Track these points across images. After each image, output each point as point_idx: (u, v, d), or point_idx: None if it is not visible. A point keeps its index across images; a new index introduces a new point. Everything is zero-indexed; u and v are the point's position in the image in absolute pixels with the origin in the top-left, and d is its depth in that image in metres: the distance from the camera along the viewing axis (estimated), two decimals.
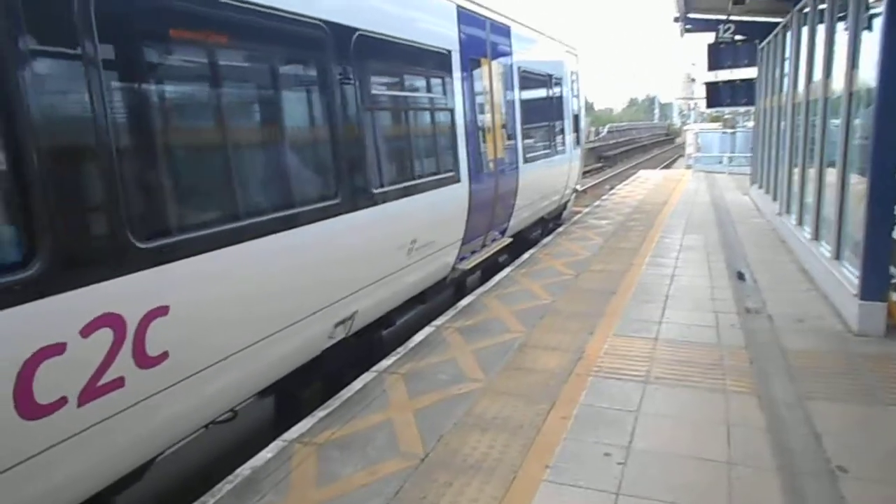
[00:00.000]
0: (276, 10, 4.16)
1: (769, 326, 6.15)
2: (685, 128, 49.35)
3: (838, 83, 7.07)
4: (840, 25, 7.41)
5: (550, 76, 11.59)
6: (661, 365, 5.25)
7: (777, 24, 11.96)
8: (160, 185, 3.51)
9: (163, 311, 3.26)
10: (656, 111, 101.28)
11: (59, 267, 2.77)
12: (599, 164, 37.09)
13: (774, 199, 11.86)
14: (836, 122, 7.13)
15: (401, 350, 5.78)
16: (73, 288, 2.83)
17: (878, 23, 5.94)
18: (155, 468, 3.75)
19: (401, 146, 6.32)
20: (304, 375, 4.90)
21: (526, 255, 9.77)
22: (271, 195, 4.36)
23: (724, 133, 26.76)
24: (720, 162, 23.47)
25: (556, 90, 12.01)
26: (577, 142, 13.97)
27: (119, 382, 3.07)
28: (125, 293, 3.07)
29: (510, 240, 9.54)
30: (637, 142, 56.63)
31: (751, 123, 19.89)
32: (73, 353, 2.81)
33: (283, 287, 4.31)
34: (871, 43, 6.08)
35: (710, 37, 14.62)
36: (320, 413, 4.58)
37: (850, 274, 6.27)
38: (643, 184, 20.34)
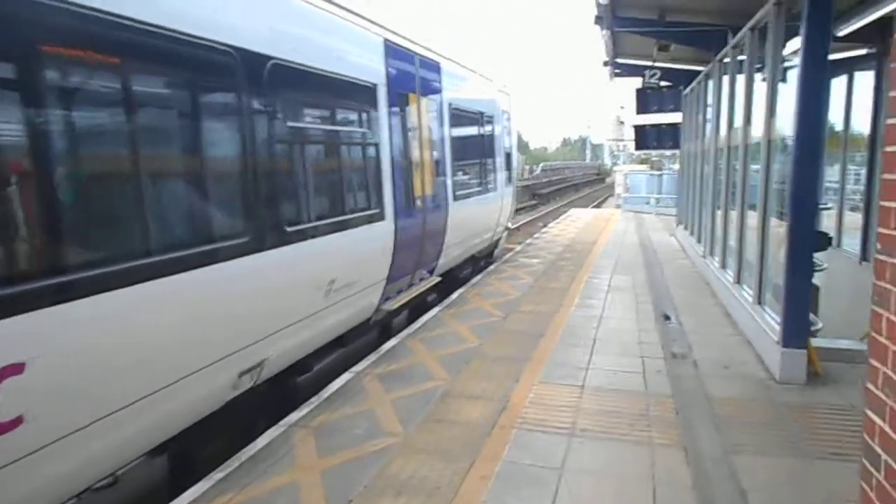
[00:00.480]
0: (180, 33, 3.85)
1: (694, 373, 6.07)
2: (615, 168, 50.94)
3: (757, 130, 7.22)
4: (758, 76, 7.64)
5: (482, 114, 11.56)
6: (586, 416, 5.03)
7: (699, 72, 12.39)
8: (21, 218, 3.03)
9: (17, 368, 2.83)
10: (588, 151, 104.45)
11: None
12: (533, 202, 37.65)
13: (699, 241, 12.11)
14: (756, 168, 7.28)
15: (314, 400, 5.37)
16: None
17: (792, 74, 6.10)
18: None
19: (318, 181, 6.00)
20: (207, 430, 4.46)
21: (455, 295, 9.52)
22: (166, 232, 3.99)
23: (651, 175, 27.65)
24: (648, 203, 24.14)
25: (488, 128, 12.00)
26: (509, 179, 14.02)
27: None
28: None
29: (439, 279, 9.32)
30: (570, 180, 58.02)
31: (676, 166, 20.57)
32: None
33: (177, 336, 3.91)
34: (787, 93, 6.24)
35: (638, 81, 15.12)
36: (217, 475, 4.13)
37: (771, 320, 6.29)
38: (574, 222, 20.62)
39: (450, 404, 5.30)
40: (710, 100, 11.32)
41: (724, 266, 9.28)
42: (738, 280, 8.10)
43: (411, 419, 4.98)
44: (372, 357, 6.52)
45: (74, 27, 3.23)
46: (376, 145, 6.84)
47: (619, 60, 14.44)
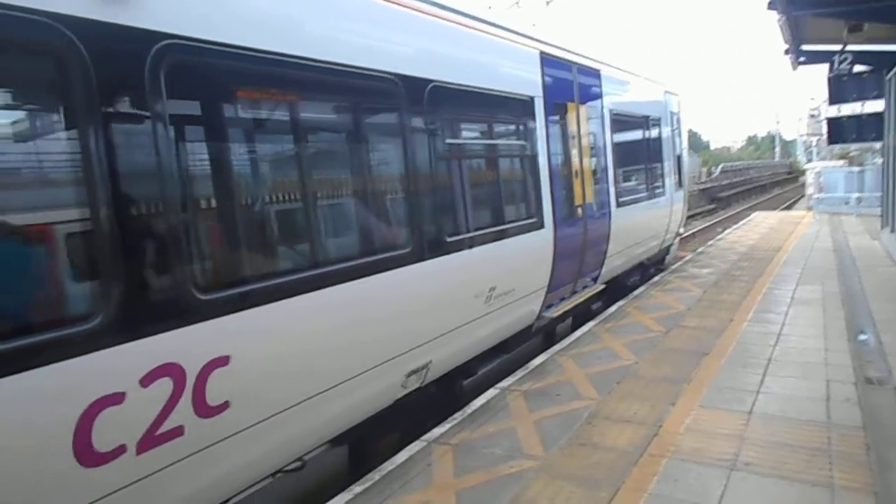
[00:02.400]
0: (348, 66, 4.33)
1: (895, 403, 5.18)
2: (806, 166, 46.01)
3: None
4: None
5: (647, 117, 11.28)
6: (752, 447, 4.48)
7: None
8: (226, 237, 3.72)
9: (223, 360, 3.34)
10: (777, 148, 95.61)
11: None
12: (711, 206, 35.16)
13: None
14: None
15: (457, 416, 5.35)
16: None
17: None
18: None
19: (477, 193, 6.33)
20: (380, 424, 4.90)
21: (613, 308, 9.07)
22: (339, 245, 4.54)
23: (850, 171, 24.49)
24: (846, 203, 21.38)
25: (654, 131, 11.65)
26: (680, 184, 13.44)
27: (179, 431, 3.14)
28: (186, 344, 3.17)
29: (602, 286, 9.14)
30: (755, 181, 53.44)
31: (880, 160, 18.02)
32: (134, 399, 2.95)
33: (350, 337, 4.31)
34: None
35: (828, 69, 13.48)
36: (357, 488, 4.24)
37: None
38: (756, 227, 18.84)
39: (596, 427, 5.00)
40: None
41: None
42: None
43: (554, 441, 4.76)
44: (519, 373, 6.38)
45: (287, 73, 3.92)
46: (534, 156, 6.94)
47: (804, 48, 12.99)
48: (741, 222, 21.06)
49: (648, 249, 11.60)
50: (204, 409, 3.25)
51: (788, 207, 33.08)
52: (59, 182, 2.96)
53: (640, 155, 11.11)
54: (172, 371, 3.08)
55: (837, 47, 11.77)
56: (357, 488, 4.23)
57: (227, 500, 3.75)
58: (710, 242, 16.37)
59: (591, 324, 8.26)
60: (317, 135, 4.59)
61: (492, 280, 5.99)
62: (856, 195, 21.44)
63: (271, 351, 3.67)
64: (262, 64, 3.69)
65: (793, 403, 5.22)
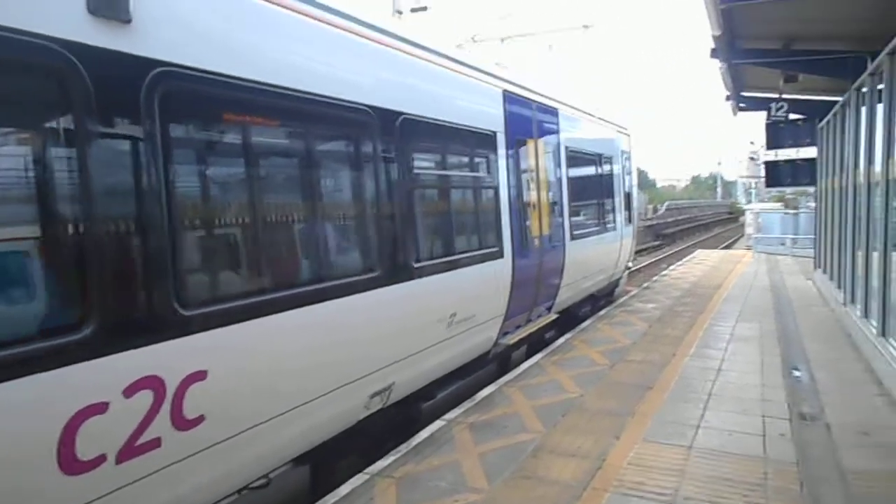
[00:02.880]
0: (325, 97, 4.52)
1: (826, 438, 5.35)
2: (746, 207, 47.91)
3: None
4: None
5: (600, 155, 11.78)
6: (692, 482, 4.54)
7: (836, 102, 11.37)
8: (208, 256, 3.84)
9: (201, 375, 3.43)
10: (719, 189, 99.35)
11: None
12: (657, 243, 36.12)
13: (839, 286, 10.93)
14: None
15: (402, 448, 5.27)
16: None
17: None
18: None
19: (442, 222, 6.60)
20: (341, 445, 4.98)
21: (560, 341, 9.16)
22: (311, 267, 4.61)
23: (785, 213, 25.61)
24: (783, 243, 22.30)
25: (606, 168, 12.14)
26: (629, 219, 13.93)
27: (156, 443, 3.21)
28: (168, 357, 3.27)
29: (556, 316, 9.46)
30: (698, 220, 55.30)
31: (813, 204, 18.92)
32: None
33: (319, 356, 4.42)
34: None
35: (765, 115, 14.13)
36: None
37: None
38: (699, 264, 19.43)
39: (541, 460, 4.99)
40: (847, 132, 10.32)
41: (866, 315, 8.26)
42: (884, 332, 7.16)
43: (498, 475, 4.73)
44: (466, 405, 6.34)
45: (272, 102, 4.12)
46: (495, 188, 7.25)
47: (744, 94, 13.62)
48: (685, 259, 21.70)
49: (599, 282, 11.97)
50: (181, 422, 3.33)
51: (729, 246, 34.29)
52: (47, 196, 2.95)
53: (593, 190, 11.53)
54: (154, 383, 3.17)
55: (775, 95, 12.37)
56: None
57: None
58: (655, 278, 16.78)
59: (538, 356, 8.31)
60: (294, 162, 4.70)
61: (453, 306, 6.17)
62: (791, 237, 22.38)
63: (245, 367, 3.78)
64: (246, 92, 3.87)
65: (731, 438, 5.34)
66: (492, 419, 5.93)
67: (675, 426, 5.64)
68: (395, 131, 5.36)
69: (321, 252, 4.76)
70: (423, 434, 5.57)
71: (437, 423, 5.84)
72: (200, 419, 3.43)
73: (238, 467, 3.91)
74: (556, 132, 9.43)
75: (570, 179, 9.81)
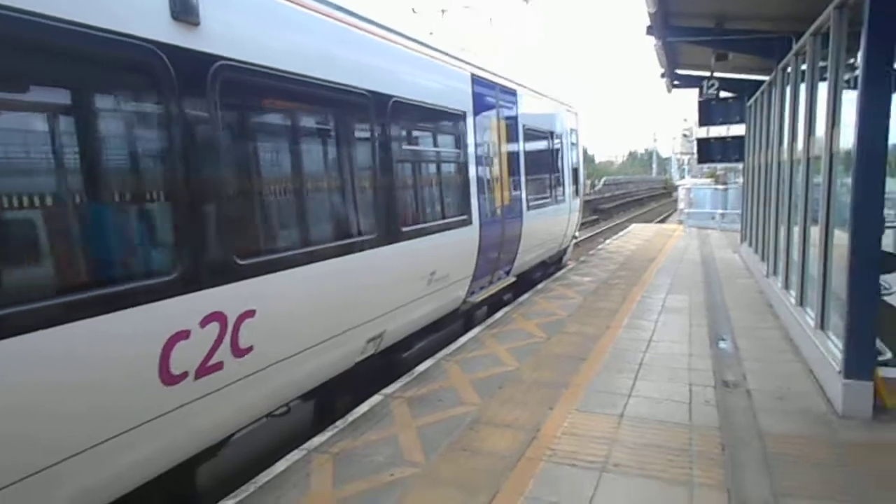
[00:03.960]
0: (329, 82, 5.20)
1: (747, 404, 5.62)
2: (678, 182, 49.42)
3: (819, 142, 6.72)
4: (822, 85, 7.12)
5: (552, 132, 12.71)
6: (622, 448, 4.71)
7: (763, 81, 11.77)
8: (257, 217, 4.61)
9: (251, 313, 4.18)
10: (654, 165, 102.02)
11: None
12: (594, 217, 36.87)
13: (762, 259, 11.43)
14: (819, 181, 6.76)
15: (339, 424, 5.25)
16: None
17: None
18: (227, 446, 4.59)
19: (423, 192, 7.35)
20: (338, 386, 5.79)
21: (499, 314, 9.28)
22: (329, 229, 5.45)
23: (716, 189, 26.54)
24: (713, 218, 23.14)
25: (557, 144, 13.10)
26: (577, 193, 15.02)
27: (220, 366, 3.97)
28: (229, 297, 4.02)
29: (514, 279, 10.52)
30: (633, 195, 56.69)
31: (741, 180, 19.67)
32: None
33: (332, 303, 5.24)
34: (852, 102, 5.75)
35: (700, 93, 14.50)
36: (229, 502, 4.03)
37: (834, 347, 5.78)
38: (634, 238, 19.98)
39: (477, 432, 5.07)
40: (773, 110, 10.72)
41: (787, 287, 8.68)
42: (801, 302, 7.54)
43: (435, 448, 4.77)
44: (404, 379, 6.37)
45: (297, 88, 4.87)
46: (465, 163, 8.14)
47: (678, 72, 13.93)
48: (620, 234, 22.27)
49: (551, 249, 13.15)
50: (237, 350, 4.09)
51: (663, 221, 35.38)
52: (153, 167, 3.75)
53: (546, 165, 12.42)
54: (219, 317, 3.92)
55: (707, 73, 12.70)
56: (229, 502, 4.03)
57: (233, 434, 4.55)
58: (591, 252, 17.15)
59: (476, 329, 8.40)
60: (316, 139, 5.57)
61: (433, 265, 7.06)
62: (720, 212, 23.24)
63: (281, 309, 4.54)
64: (282, 80, 4.63)
65: (660, 406, 5.55)
66: (429, 393, 5.97)
67: (607, 396, 5.81)
68: (388, 112, 6.07)
69: (339, 216, 5.61)
70: (361, 409, 5.57)
71: (375, 398, 5.84)
72: (250, 349, 4.20)
73: (272, 393, 4.71)
74: (516, 112, 10.22)
75: (526, 155, 10.62)
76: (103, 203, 3.47)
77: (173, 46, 3.66)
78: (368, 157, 5.89)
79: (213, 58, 3.96)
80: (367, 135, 5.87)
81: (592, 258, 15.51)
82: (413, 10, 17.48)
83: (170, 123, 3.67)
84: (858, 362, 5.20)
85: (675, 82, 14.66)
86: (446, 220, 7.50)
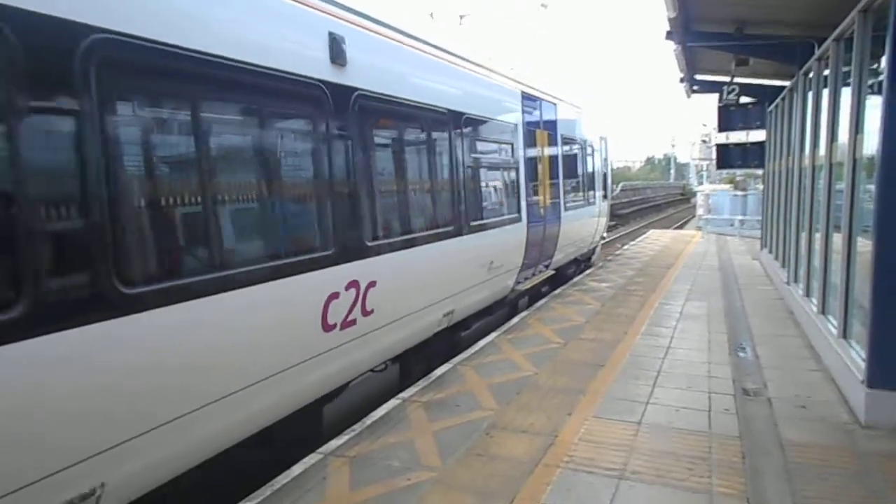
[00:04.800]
0: (423, 104, 6.61)
1: (768, 412, 5.55)
2: (697, 188, 49.00)
3: (843, 147, 6.63)
4: (846, 90, 7.03)
5: (585, 141, 14.02)
6: (640, 456, 4.67)
7: (784, 87, 11.66)
8: (381, 213, 5.96)
9: (374, 283, 5.46)
10: (672, 171, 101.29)
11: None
12: (612, 223, 36.62)
13: (783, 265, 11.30)
14: (841, 187, 6.67)
15: (356, 427, 5.26)
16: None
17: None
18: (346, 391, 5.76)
19: (487, 194, 8.58)
20: (415, 354, 6.89)
21: (515, 320, 9.25)
22: (427, 222, 6.78)
23: (735, 195, 26.28)
24: (731, 224, 22.91)
25: (590, 152, 14.46)
26: (605, 196, 16.46)
27: (354, 322, 5.24)
28: (361, 270, 5.30)
29: (553, 272, 11.80)
30: (651, 201, 56.31)
31: (762, 186, 19.45)
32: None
33: (424, 281, 6.61)
34: (876, 108, 5.67)
35: (718, 98, 14.37)
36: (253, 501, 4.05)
37: (857, 356, 5.69)
38: (652, 244, 19.85)
39: (494, 437, 5.05)
40: (794, 116, 10.61)
41: (808, 294, 8.57)
42: (823, 310, 7.44)
43: (452, 452, 4.77)
44: (421, 383, 6.37)
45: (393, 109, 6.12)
46: (516, 168, 9.40)
47: (697, 77, 13.83)
48: (638, 239, 22.13)
49: (583, 247, 14.45)
50: (364, 311, 5.36)
51: (681, 227, 35.08)
52: (321, 173, 5.02)
53: (581, 171, 13.74)
54: (355, 285, 5.20)
55: (727, 79, 12.60)
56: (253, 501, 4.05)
57: (349, 382, 5.69)
58: (609, 257, 17.06)
59: (493, 334, 8.38)
60: (418, 152, 6.96)
61: (492, 256, 8.34)
62: (739, 218, 23.01)
63: (392, 283, 5.79)
64: (395, 104, 6.10)
65: (678, 414, 5.50)
66: (446, 398, 5.97)
67: (625, 403, 5.77)
68: (461, 127, 7.43)
69: (429, 212, 6.89)
70: (378, 413, 5.57)
71: (392, 402, 5.85)
72: (372, 311, 5.46)
73: (381, 350, 5.93)
74: (555, 123, 11.50)
75: (564, 161, 11.98)
76: (296, 199, 4.98)
77: (330, 82, 5.01)
78: (448, 163, 7.27)
79: (354, 89, 5.32)
80: (447, 146, 7.21)
81: (610, 263, 15.43)
82: (431, 15, 17.49)
83: (329, 140, 5.05)
84: (882, 372, 5.11)
85: (695, 88, 14.56)
86: (502, 218, 8.83)
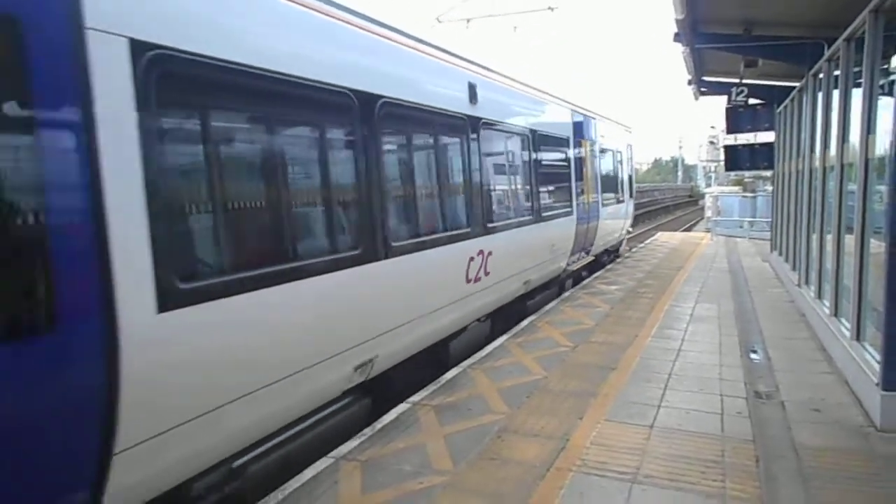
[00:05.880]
0: (514, 125, 9.35)
1: (781, 416, 5.51)
2: (705, 190, 48.80)
3: (854, 148, 6.59)
4: (856, 91, 6.98)
5: (617, 149, 16.64)
6: (653, 460, 4.64)
7: (794, 88, 11.60)
8: (493, 204, 8.41)
9: (490, 252, 7.82)
10: (679, 173, 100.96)
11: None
12: None
13: (794, 268, 11.23)
14: (853, 188, 6.63)
15: (367, 431, 5.25)
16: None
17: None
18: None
19: (551, 190, 11.03)
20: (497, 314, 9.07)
21: (524, 323, 9.23)
22: (519, 211, 9.40)
23: (744, 197, 26.17)
24: (741, 226, 22.82)
25: (619, 157, 17.09)
26: (631, 195, 18.96)
27: (481, 276, 7.59)
28: (485, 242, 7.73)
29: (592, 258, 14.28)
30: (659, 203, 56.07)
31: (770, 187, 19.36)
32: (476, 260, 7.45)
33: (515, 254, 8.92)
34: (887, 109, 5.63)
35: (726, 100, 14.30)
36: None
37: (871, 358, 5.64)
38: (660, 246, 19.77)
39: (505, 441, 5.04)
40: (804, 117, 10.55)
41: (820, 296, 8.51)
42: (836, 312, 7.38)
43: (463, 456, 4.75)
44: (431, 387, 6.35)
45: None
46: (569, 172, 11.94)
47: (705, 79, 13.78)
48: (646, 241, 22.04)
49: (613, 239, 16.91)
50: (484, 272, 7.64)
51: (689, 229, 34.91)
52: (464, 177, 7.54)
53: (613, 173, 16.33)
54: (482, 252, 7.53)
55: (735, 80, 12.55)
56: None
57: (467, 326, 7.95)
58: (618, 260, 17.00)
59: (502, 338, 8.36)
60: (514, 157, 9.45)
61: (553, 240, 10.73)
62: (749, 220, 22.91)
63: (500, 253, 8.12)
64: (496, 127, 8.48)
65: (690, 417, 5.46)
66: (456, 401, 5.95)
67: (636, 406, 5.74)
68: (534, 141, 9.85)
69: (519, 204, 9.47)
70: (388, 417, 5.56)
71: (402, 406, 5.83)
72: (489, 273, 7.80)
73: (488, 303, 8.30)
74: (594, 134, 13.87)
75: (601, 165, 14.63)
76: (454, 193, 7.40)
77: (469, 115, 7.46)
78: (530, 170, 9.77)
79: (480, 118, 7.73)
80: (528, 157, 9.70)
81: (619, 266, 15.38)
82: (438, 19, 17.51)
83: (469, 154, 7.48)
84: None
85: (703, 89, 14.52)
86: (560, 212, 11.16)
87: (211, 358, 3.64)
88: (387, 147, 5.91)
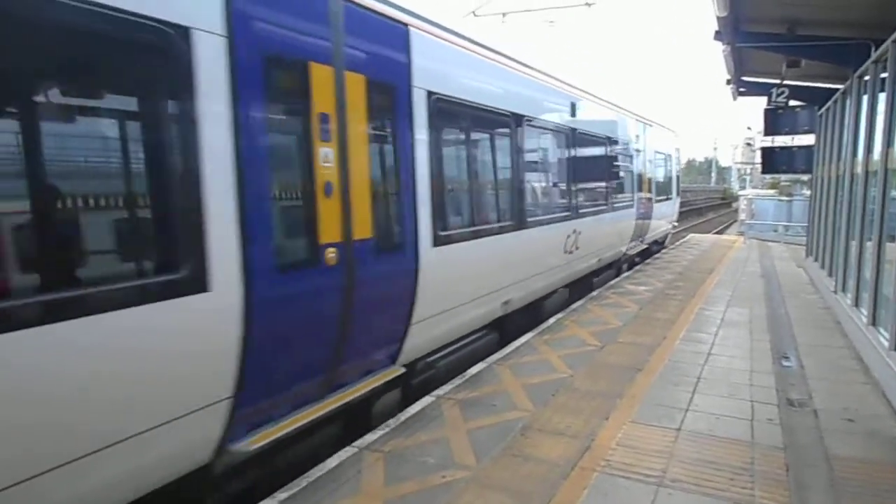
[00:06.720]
0: (598, 134, 11.61)
1: (813, 424, 5.38)
2: (740, 193, 47.93)
3: None
4: None
5: (667, 152, 18.86)
6: (680, 463, 4.56)
7: (837, 90, 11.30)
8: (581, 195, 10.63)
9: (579, 231, 10.19)
10: (713, 174, 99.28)
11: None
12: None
13: (830, 274, 10.96)
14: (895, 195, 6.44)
15: (391, 423, 5.27)
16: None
17: None
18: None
19: (622, 186, 13.46)
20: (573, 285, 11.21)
21: (551, 321, 9.16)
22: (599, 202, 11.69)
23: (779, 201, 25.63)
24: (775, 230, 22.37)
25: (669, 159, 19.42)
26: (677, 193, 21.57)
27: (573, 250, 10.03)
28: (577, 224, 10.13)
29: (646, 246, 16.56)
30: (691, 204, 55.15)
31: (808, 192, 18.93)
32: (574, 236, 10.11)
33: (593, 237, 11.00)
34: None
35: (765, 101, 13.99)
36: (281, 495, 4.09)
37: None
38: (692, 248, 19.47)
39: (530, 438, 5.00)
40: (847, 120, 10.26)
41: (857, 304, 8.29)
42: (873, 321, 7.18)
43: (487, 452, 4.73)
44: (456, 381, 6.34)
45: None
46: (632, 172, 14.41)
47: (745, 78, 13.49)
48: (677, 243, 21.72)
49: (663, 231, 19.40)
50: (573, 248, 9.97)
51: (721, 231, 34.30)
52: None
53: (664, 173, 18.80)
54: (574, 232, 9.93)
55: (776, 81, 12.26)
56: (282, 495, 4.09)
57: (556, 291, 10.08)
58: (647, 261, 16.78)
59: (529, 335, 8.31)
60: (594, 158, 11.82)
61: (619, 227, 13.15)
62: (784, 224, 22.43)
63: (585, 233, 10.33)
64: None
65: (719, 422, 5.36)
66: (481, 396, 5.93)
67: (664, 409, 5.66)
68: (611, 147, 12.16)
69: (599, 196, 11.63)
70: (413, 409, 5.57)
71: (427, 399, 5.84)
72: (578, 248, 10.10)
73: (577, 271, 10.71)
74: (650, 139, 16.20)
75: (654, 166, 16.86)
76: (552, 185, 9.73)
77: (572, 127, 9.90)
78: (606, 168, 12.08)
79: (576, 129, 10.06)
80: (606, 159, 12.00)
81: (648, 267, 15.18)
82: (473, 13, 17.43)
83: (567, 156, 9.90)
84: None
85: (742, 90, 14.19)
86: (625, 204, 13.53)
87: (452, 276, 6.25)
88: (526, 152, 8.28)
